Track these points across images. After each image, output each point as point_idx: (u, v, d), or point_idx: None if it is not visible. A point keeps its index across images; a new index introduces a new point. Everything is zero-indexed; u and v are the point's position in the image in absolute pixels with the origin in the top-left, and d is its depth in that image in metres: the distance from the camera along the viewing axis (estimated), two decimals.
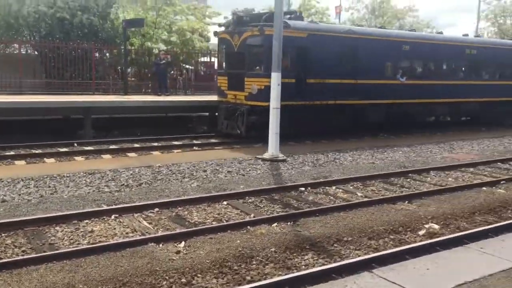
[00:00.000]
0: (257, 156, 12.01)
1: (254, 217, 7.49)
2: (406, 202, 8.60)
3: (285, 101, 12.38)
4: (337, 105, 15.18)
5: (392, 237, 6.83)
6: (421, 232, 7.09)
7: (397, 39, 16.98)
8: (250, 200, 8.43)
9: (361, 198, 8.74)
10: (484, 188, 9.74)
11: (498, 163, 12.38)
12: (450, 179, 10.61)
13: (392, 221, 7.42)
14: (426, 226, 7.33)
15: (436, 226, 7.33)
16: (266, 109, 12.37)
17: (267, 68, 12.82)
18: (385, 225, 7.25)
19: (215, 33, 16.35)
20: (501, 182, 10.21)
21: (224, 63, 15.88)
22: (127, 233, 6.70)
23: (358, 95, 15.51)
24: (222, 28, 16.07)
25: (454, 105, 18.97)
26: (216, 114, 15.91)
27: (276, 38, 11.76)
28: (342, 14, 31.48)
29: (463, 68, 19.51)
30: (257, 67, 14.25)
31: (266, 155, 11.89)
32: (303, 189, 9.22)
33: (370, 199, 8.61)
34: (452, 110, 19.46)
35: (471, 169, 11.60)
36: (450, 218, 7.73)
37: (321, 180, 9.91)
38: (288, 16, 14.86)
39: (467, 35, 21.28)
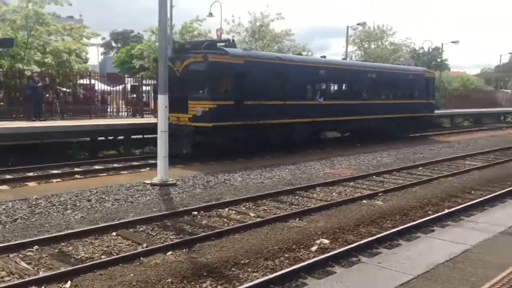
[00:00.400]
0: (145, 182, 11.59)
1: (147, 247, 7.14)
2: (297, 219, 8.85)
3: (225, 122, 14.57)
4: (270, 124, 16.68)
5: (287, 255, 6.95)
6: (314, 248, 7.32)
7: (315, 65, 19.20)
8: (141, 229, 8.05)
9: (254, 219, 8.82)
10: (364, 201, 10.41)
11: (374, 176, 13.35)
12: (334, 194, 11.19)
13: (286, 240, 7.57)
14: (318, 241, 7.59)
15: (327, 241, 7.63)
16: (211, 129, 14.52)
17: (211, 92, 14.86)
18: (279, 244, 7.36)
19: (154, 59, 16.69)
20: (379, 194, 11.00)
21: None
22: (2, 277, 5.97)
23: (287, 115, 17.19)
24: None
25: (362, 122, 21.18)
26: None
27: (161, 60, 11.59)
28: (223, 37, 32.12)
29: (367, 90, 21.81)
30: (201, 91, 15.36)
31: (155, 180, 11.53)
32: (196, 213, 9.06)
33: (263, 218, 8.73)
34: (360, 126, 21.45)
35: (352, 183, 12.35)
36: (338, 232, 8.10)
37: (214, 202, 9.83)
38: (223, 43, 16.63)
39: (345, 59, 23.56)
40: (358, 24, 35.96)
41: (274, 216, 8.96)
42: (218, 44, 16.72)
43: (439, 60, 42.03)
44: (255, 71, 16.06)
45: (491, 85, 64.55)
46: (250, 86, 15.75)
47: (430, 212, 9.51)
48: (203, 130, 14.91)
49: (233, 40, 18.23)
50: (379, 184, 12.43)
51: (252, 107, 15.84)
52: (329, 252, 7.00)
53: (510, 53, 73.33)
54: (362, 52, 40.96)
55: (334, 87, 20.67)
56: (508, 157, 17.33)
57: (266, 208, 9.65)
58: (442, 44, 44.76)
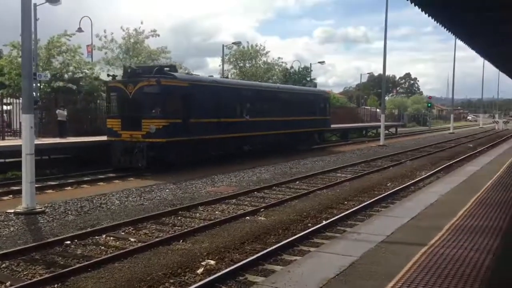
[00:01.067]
0: (8, 211, 10.35)
1: (11, 285, 6.29)
2: (181, 241, 8.54)
3: (175, 137, 17.04)
4: (210, 139, 18.98)
5: (172, 281, 6.62)
6: (200, 271, 7.07)
7: (242, 87, 22.55)
8: (4, 265, 7.10)
9: (135, 244, 8.31)
10: (247, 217, 10.43)
11: (255, 193, 13.51)
12: (217, 212, 11.06)
13: (170, 264, 7.22)
14: (203, 263, 7.36)
15: (213, 262, 7.43)
16: (164, 145, 16.87)
17: (164, 111, 16.90)
18: (163, 269, 6.99)
19: (106, 83, 18.98)
20: (261, 210, 11.12)
21: (115, 108, 18.15)
22: None
23: (222, 130, 19.61)
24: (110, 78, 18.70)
25: (278, 135, 24.28)
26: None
27: (25, 76, 10.54)
28: (94, 53, 30.65)
29: (280, 108, 24.32)
30: (154, 111, 17.06)
31: (20, 208, 10.36)
32: (69, 242, 8.27)
33: (145, 243, 8.26)
34: (276, 139, 24.56)
35: (234, 201, 12.35)
36: (224, 252, 7.95)
37: (89, 229, 9.09)
38: (167, 68, 18.68)
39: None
40: (233, 43, 36.81)
41: (157, 239, 8.54)
42: (165, 68, 18.60)
43: (308, 79, 44.66)
44: (197, 93, 18.24)
45: (353, 102, 70.33)
46: (193, 106, 18.03)
47: (309, 224, 9.83)
48: (156, 145, 16.83)
49: (174, 66, 20.99)
50: (260, 200, 12.60)
51: (196, 124, 18.09)
52: (215, 273, 6.81)
53: (368, 74, 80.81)
54: (237, 71, 41.96)
55: (257, 106, 22.79)
56: (373, 168, 18.76)
57: (147, 232, 9.18)
58: (310, 64, 47.79)
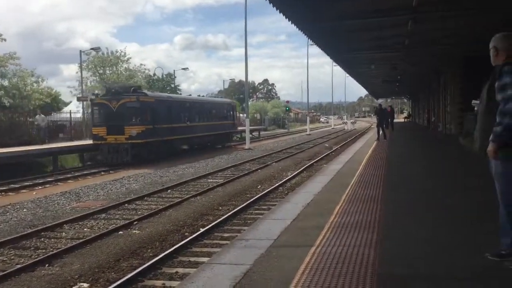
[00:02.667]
0: None
1: None
2: (47, 265, 7.70)
3: (149, 139, 23.08)
4: (167, 140, 25.04)
5: None
6: None
7: (185, 100, 30.09)
8: None
9: None
10: (121, 232, 9.83)
11: (126, 205, 12.84)
12: (86, 229, 10.25)
13: None
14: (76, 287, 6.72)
15: (86, 285, 6.84)
16: (142, 144, 22.80)
17: (141, 120, 23.19)
18: None
19: (91, 100, 25.36)
20: (134, 223, 10.56)
21: (100, 119, 23.82)
22: None
23: (174, 133, 25.77)
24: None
25: (205, 136, 30.73)
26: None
27: None
28: None
29: (206, 115, 31.45)
30: (134, 120, 23.23)
31: None
32: None
33: (4, 272, 7.26)
34: (205, 139, 31.04)
35: (104, 215, 11.58)
36: (98, 272, 7.36)
37: None
38: (133, 88, 25.05)
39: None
40: (92, 49, 34.86)
41: (18, 266, 7.57)
42: (135, 89, 24.89)
43: (172, 85, 44.16)
44: (159, 106, 24.67)
45: None
46: (157, 115, 24.01)
47: (187, 233, 9.60)
48: (137, 145, 22.72)
49: (140, 87, 28.16)
50: (132, 212, 11.99)
51: (160, 129, 24.04)
52: None
53: (230, 80, 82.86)
54: (97, 78, 39.83)
55: (192, 114, 29.27)
56: (242, 172, 19.11)
57: (5, 259, 8.11)
58: (174, 71, 47.41)
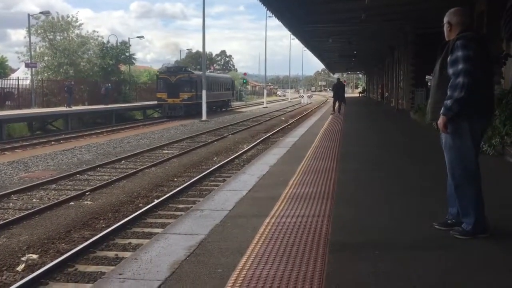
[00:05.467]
0: None
1: None
2: None
3: (192, 101, 35.17)
4: (211, 102, 38.78)
5: None
6: (20, 267, 6.25)
7: (209, 76, 39.10)
8: None
9: None
10: (72, 203, 9.59)
11: (77, 175, 12.51)
12: (35, 200, 9.93)
13: None
14: (24, 258, 6.53)
15: (35, 256, 6.64)
16: (190, 105, 34.92)
17: (190, 89, 35.37)
18: None
19: (157, 75, 38.09)
20: (86, 194, 10.32)
21: (163, 87, 35.64)
22: None
23: (207, 97, 33.44)
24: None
25: (217, 102, 43.93)
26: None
27: None
28: None
29: (218, 87, 45.25)
30: (185, 89, 35.14)
31: None
32: None
33: None
34: (216, 104, 43.78)
35: (54, 186, 11.25)
36: (48, 243, 7.18)
37: None
38: (184, 68, 39.41)
39: None
40: (41, 13, 33.14)
41: None
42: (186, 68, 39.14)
43: (127, 54, 42.84)
44: (199, 80, 34.29)
45: None
46: (198, 86, 34.31)
47: (141, 204, 9.49)
48: (187, 105, 34.74)
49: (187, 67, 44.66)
50: (84, 183, 11.70)
51: (199, 95, 33.44)
52: (39, 268, 6.09)
53: (187, 50, 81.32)
54: (47, 44, 38.04)
55: (213, 86, 40.58)
56: (198, 144, 19.00)
57: None
58: (129, 38, 45.92)
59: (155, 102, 36.57)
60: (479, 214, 3.99)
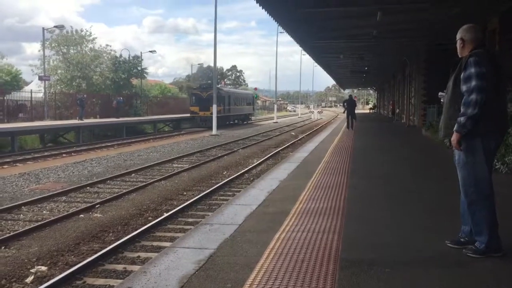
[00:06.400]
0: None
1: None
2: (3, 247, 7.46)
3: (223, 114, 40.42)
4: (230, 115, 45.06)
5: None
6: (29, 279, 6.26)
7: (235, 92, 50.15)
8: None
9: None
10: (81, 215, 9.61)
11: (88, 188, 12.55)
12: (45, 212, 9.97)
13: None
14: (33, 270, 6.54)
15: (44, 268, 6.65)
16: (219, 117, 36.05)
17: (220, 103, 37.69)
18: None
19: (191, 90, 44.71)
20: (96, 206, 10.34)
21: (195, 102, 40.11)
22: None
23: (231, 112, 45.10)
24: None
25: (240, 115, 49.61)
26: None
27: None
28: None
29: (241, 101, 50.16)
30: (217, 103, 35.18)
31: None
32: None
33: None
34: (239, 117, 49.45)
35: (64, 198, 11.29)
36: (57, 255, 7.18)
37: None
38: (218, 85, 42.65)
39: None
40: (56, 26, 33.65)
41: None
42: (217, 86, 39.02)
43: (139, 68, 43.24)
44: (226, 96, 42.19)
45: (183, 92, 70.54)
46: (226, 101, 41.77)
47: (150, 217, 9.48)
48: (218, 117, 34.49)
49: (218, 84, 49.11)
50: (94, 195, 11.73)
51: (227, 109, 42.51)
52: (48, 280, 6.08)
53: (199, 64, 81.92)
54: (60, 57, 38.57)
55: (237, 101, 47.06)
56: (208, 158, 19.00)
57: None
58: (141, 53, 46.37)
59: (170, 116, 41.89)
60: (492, 232, 3.92)
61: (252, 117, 55.86)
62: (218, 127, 34.29)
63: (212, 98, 35.69)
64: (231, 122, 45.44)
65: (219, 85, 45.63)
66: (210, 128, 33.59)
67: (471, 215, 4.02)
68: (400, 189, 7.36)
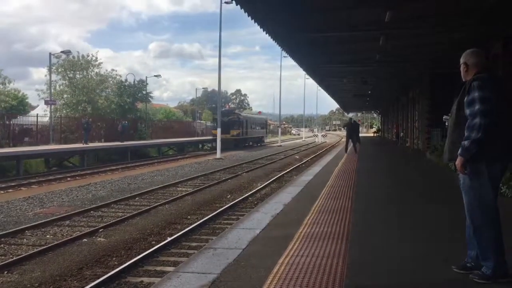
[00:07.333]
0: None
1: None
2: (6, 272, 7.41)
3: (240, 136, 45.09)
4: (247, 138, 49.08)
5: None
6: None
7: (251, 117, 56.11)
8: None
9: None
10: (85, 239, 9.57)
11: (91, 212, 12.53)
12: (48, 236, 9.94)
13: None
14: None
15: None
16: (238, 139, 44.20)
17: (238, 127, 44.49)
18: None
19: (213, 116, 48.87)
20: (100, 230, 10.31)
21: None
22: None
23: (247, 134, 49.03)
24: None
25: (255, 138, 53.52)
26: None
27: None
28: None
29: (255, 125, 55.07)
30: (234, 127, 43.61)
31: None
32: None
33: None
34: (254, 140, 52.91)
35: (68, 222, 11.27)
36: (60, 280, 7.13)
37: None
38: (233, 111, 51.59)
39: None
40: (62, 52, 34.14)
41: None
42: (235, 111, 53.71)
43: (144, 92, 43.62)
44: (243, 120, 46.70)
45: (188, 116, 70.96)
46: (243, 125, 46.10)
47: (153, 242, 9.42)
48: (235, 140, 42.81)
49: (235, 109, 69.84)
50: (98, 219, 11.71)
51: (244, 132, 46.87)
52: None
53: (203, 88, 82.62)
54: (67, 82, 38.99)
55: (251, 124, 50.74)
56: (212, 182, 18.97)
57: None
58: (146, 77, 46.82)
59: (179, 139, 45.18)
60: (499, 257, 3.87)
61: (265, 140, 60.34)
62: (237, 148, 41.26)
63: (232, 122, 43.25)
64: (247, 144, 48.92)
65: (236, 111, 53.34)
66: (229, 149, 38.21)
67: (477, 240, 3.97)
68: (404, 214, 7.30)
